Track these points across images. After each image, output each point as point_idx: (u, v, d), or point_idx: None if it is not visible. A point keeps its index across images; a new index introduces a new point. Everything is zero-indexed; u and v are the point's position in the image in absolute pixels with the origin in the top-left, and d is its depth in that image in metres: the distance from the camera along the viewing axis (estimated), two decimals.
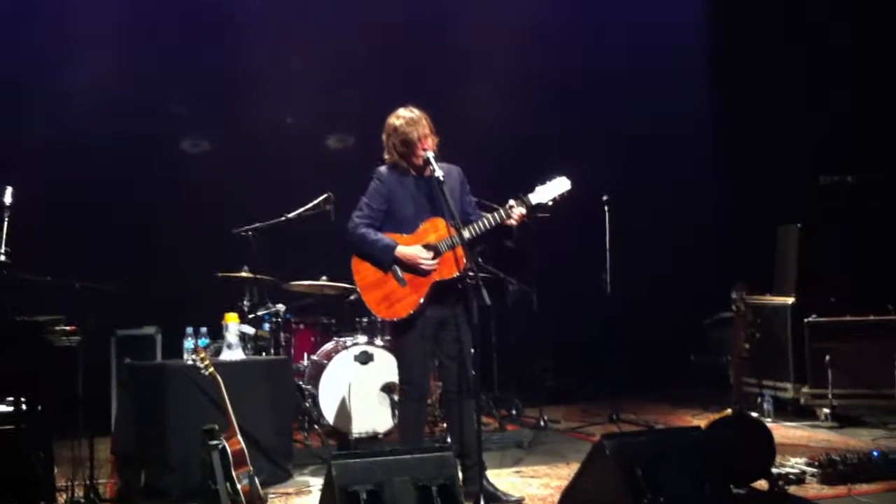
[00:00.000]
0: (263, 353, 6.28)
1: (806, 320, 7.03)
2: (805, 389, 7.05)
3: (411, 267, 4.76)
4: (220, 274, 6.45)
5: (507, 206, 4.80)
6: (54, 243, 7.13)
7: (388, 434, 6.30)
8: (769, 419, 6.87)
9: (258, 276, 6.40)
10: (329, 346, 6.66)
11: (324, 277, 6.70)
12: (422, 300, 4.75)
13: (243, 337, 5.84)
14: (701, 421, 6.22)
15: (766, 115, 8.79)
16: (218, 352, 5.57)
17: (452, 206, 4.66)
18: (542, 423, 7.00)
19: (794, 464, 5.29)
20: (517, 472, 5.62)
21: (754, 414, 6.23)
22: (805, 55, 8.49)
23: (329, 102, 8.40)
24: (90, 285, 4.74)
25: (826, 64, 8.36)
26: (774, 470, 4.93)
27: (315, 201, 6.40)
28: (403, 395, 4.95)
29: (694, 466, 4.02)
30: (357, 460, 3.73)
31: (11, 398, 4.48)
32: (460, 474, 4.21)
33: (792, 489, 4.91)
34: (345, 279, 6.06)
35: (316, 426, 6.50)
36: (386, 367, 6.25)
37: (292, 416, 5.94)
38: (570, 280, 8.20)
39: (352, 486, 3.62)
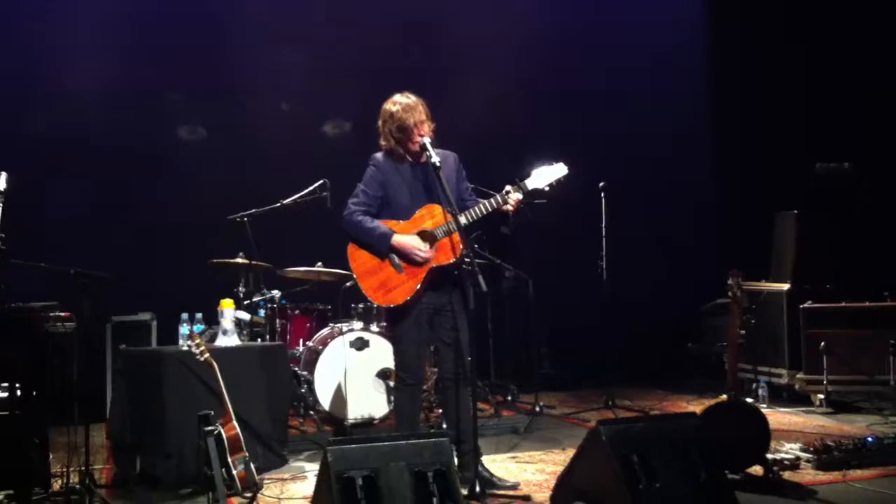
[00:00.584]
0: (259, 340, 6.28)
1: (801, 307, 7.05)
2: (800, 375, 7.08)
3: (406, 256, 4.76)
4: (215, 261, 6.43)
5: (504, 192, 4.79)
6: (49, 229, 7.13)
7: (383, 420, 6.31)
8: (764, 405, 6.90)
9: (253, 263, 6.38)
10: (325, 332, 6.65)
11: (319, 264, 6.69)
12: (418, 287, 4.74)
13: (239, 323, 5.84)
14: (696, 407, 6.22)
15: (763, 103, 8.78)
16: (213, 338, 5.57)
17: (449, 193, 4.65)
18: (537, 409, 7.01)
19: (788, 450, 5.30)
20: (513, 457, 5.63)
21: (749, 400, 6.25)
22: (804, 44, 8.47)
23: (325, 88, 8.36)
24: (85, 272, 4.71)
25: (824, 54, 8.34)
26: (769, 456, 4.95)
27: (311, 188, 6.38)
28: (399, 381, 4.95)
29: (689, 452, 4.02)
30: (353, 446, 3.72)
31: (6, 385, 4.48)
32: (456, 460, 4.21)
33: (787, 475, 4.93)
34: (340, 266, 6.05)
35: (311, 412, 6.50)
36: (381, 353, 6.26)
37: (288, 402, 5.94)
38: (567, 267, 8.20)
39: (348, 471, 3.61)
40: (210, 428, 4.47)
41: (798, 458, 5.12)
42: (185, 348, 5.08)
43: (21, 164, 5.13)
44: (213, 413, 4.57)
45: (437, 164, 4.67)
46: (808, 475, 4.97)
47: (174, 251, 7.50)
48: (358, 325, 6.54)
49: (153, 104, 8.05)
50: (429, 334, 4.89)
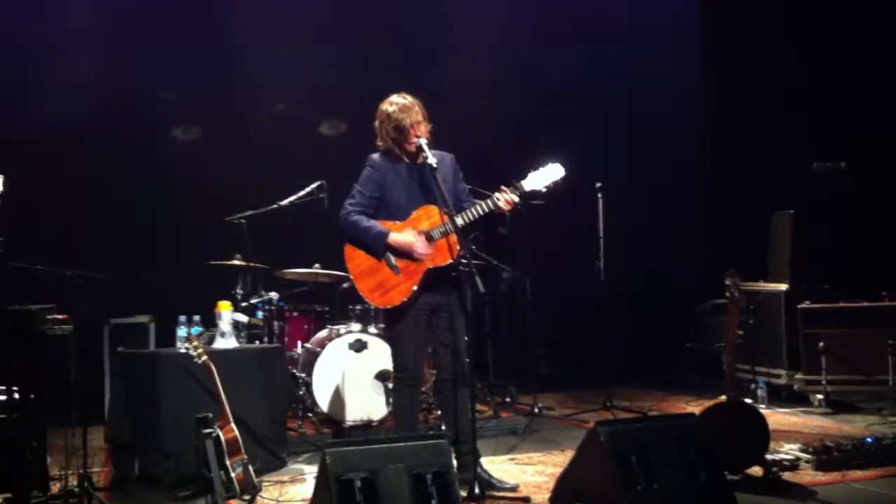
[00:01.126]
0: (257, 342, 6.28)
1: (799, 307, 7.05)
2: (799, 376, 7.07)
3: (405, 254, 4.75)
4: (212, 262, 6.42)
5: (500, 193, 4.78)
6: (47, 232, 7.11)
7: (382, 422, 6.29)
8: (763, 405, 6.89)
9: (251, 264, 6.37)
10: (323, 333, 6.64)
11: (317, 265, 6.68)
12: (415, 287, 4.74)
13: (236, 325, 5.82)
14: (695, 408, 6.22)
15: (760, 102, 8.78)
16: (211, 340, 5.55)
17: (445, 193, 4.64)
18: (536, 411, 6.99)
19: (788, 450, 5.29)
20: (512, 459, 5.63)
21: (748, 400, 6.25)
22: (803, 43, 8.47)
23: (322, 89, 8.35)
24: (82, 273, 4.71)
25: (823, 53, 8.34)
26: (768, 456, 4.94)
27: (308, 189, 6.38)
28: (397, 382, 4.94)
29: (688, 453, 4.02)
30: (351, 448, 3.72)
31: (4, 387, 4.47)
32: (455, 462, 4.20)
33: (786, 475, 4.92)
34: (338, 267, 6.04)
35: (310, 414, 6.49)
36: (380, 354, 6.25)
37: (286, 404, 5.93)
38: (564, 267, 8.19)
39: (346, 473, 3.61)
40: (208, 430, 4.46)
41: (797, 459, 5.11)
42: (183, 350, 5.07)
43: (18, 166, 5.13)
44: (211, 415, 4.56)
45: (434, 164, 4.66)
46: (807, 475, 4.97)
47: (172, 253, 7.49)
48: (356, 326, 6.53)
49: (149, 106, 8.03)
50: (427, 335, 4.88)
